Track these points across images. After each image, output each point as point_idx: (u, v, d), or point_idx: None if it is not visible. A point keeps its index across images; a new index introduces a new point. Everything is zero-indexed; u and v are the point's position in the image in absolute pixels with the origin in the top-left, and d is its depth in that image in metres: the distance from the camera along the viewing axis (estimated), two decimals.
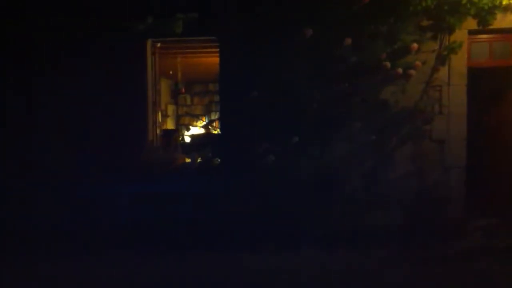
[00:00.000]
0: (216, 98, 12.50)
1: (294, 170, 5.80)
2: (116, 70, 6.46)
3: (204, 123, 11.46)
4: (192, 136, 10.47)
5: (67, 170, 6.28)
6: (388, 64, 5.70)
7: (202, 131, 11.09)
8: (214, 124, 10.92)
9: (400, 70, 5.70)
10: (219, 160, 6.79)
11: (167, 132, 8.87)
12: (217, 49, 6.59)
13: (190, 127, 11.84)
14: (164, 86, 11.50)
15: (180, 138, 10.38)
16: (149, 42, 6.72)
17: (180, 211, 6.01)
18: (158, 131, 7.34)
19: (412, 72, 5.72)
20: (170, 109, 12.20)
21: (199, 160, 7.34)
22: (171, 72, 9.06)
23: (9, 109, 6.58)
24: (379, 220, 5.79)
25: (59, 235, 5.81)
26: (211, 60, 8.74)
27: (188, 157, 7.97)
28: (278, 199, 5.78)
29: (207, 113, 12.78)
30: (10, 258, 5.39)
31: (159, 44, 6.98)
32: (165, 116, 11.69)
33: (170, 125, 11.97)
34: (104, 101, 6.50)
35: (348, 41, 5.70)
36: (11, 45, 6.48)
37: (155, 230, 5.87)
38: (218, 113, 12.11)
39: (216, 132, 10.24)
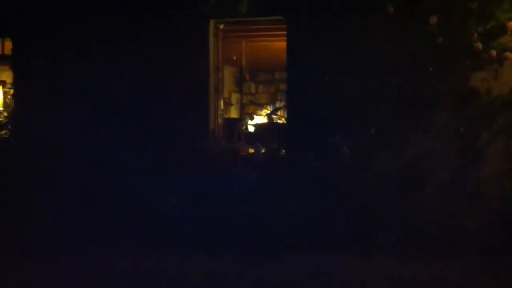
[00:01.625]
0: (282, 86, 12.05)
1: (369, 166, 5.17)
2: (176, 55, 6.08)
3: (269, 112, 11.00)
4: (256, 126, 10.07)
5: (123, 165, 5.95)
6: (480, 45, 4.96)
7: (266, 120, 10.75)
8: (279, 113, 10.55)
9: (493, 53, 4.95)
10: (284, 151, 6.31)
11: (230, 121, 8.43)
12: (285, 32, 6.07)
13: (254, 116, 11.44)
14: (228, 74, 11.11)
15: (244, 128, 9.97)
16: (211, 23, 6.27)
17: (243, 209, 5.52)
18: (220, 120, 6.93)
19: (509, 55, 4.95)
20: (234, 97, 11.79)
21: (263, 151, 6.89)
22: (234, 58, 8.61)
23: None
24: (466, 224, 5.08)
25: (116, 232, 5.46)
26: (278, 45, 8.25)
27: (252, 148, 7.55)
28: (350, 198, 5.18)
29: (272, 102, 12.28)
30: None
31: (222, 26, 6.52)
32: (228, 104, 11.32)
33: (233, 114, 11.58)
34: (162, 89, 6.15)
35: (434, 19, 5.01)
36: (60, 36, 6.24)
37: (218, 229, 5.42)
38: (283, 102, 11.73)
39: (281, 121, 9.86)
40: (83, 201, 5.83)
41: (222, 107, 7.13)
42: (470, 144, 5.17)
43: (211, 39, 6.40)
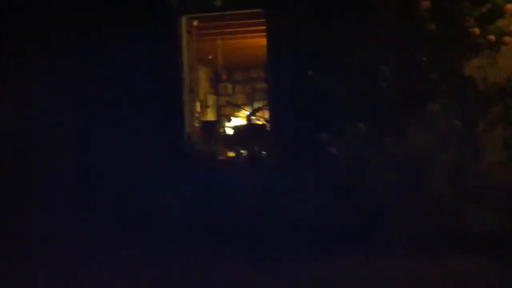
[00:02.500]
0: (260, 85, 11.66)
1: (362, 164, 4.74)
2: (146, 55, 5.63)
3: (247, 112, 10.57)
4: (234, 128, 9.64)
5: (92, 169, 5.47)
6: (477, 30, 4.59)
7: (245, 122, 10.32)
8: (258, 114, 10.13)
9: (492, 37, 4.59)
10: (266, 154, 5.92)
11: (207, 124, 7.98)
12: (263, 27, 5.66)
13: (232, 118, 11.01)
14: (203, 75, 10.67)
15: (222, 130, 9.53)
16: (184, 19, 5.81)
17: (224, 214, 5.08)
18: (196, 123, 6.49)
19: (508, 39, 4.59)
20: (210, 99, 11.33)
21: (243, 154, 6.49)
22: (210, 57, 8.15)
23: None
24: (469, 220, 4.68)
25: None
26: (254, 42, 7.88)
27: (231, 151, 7.14)
28: (342, 199, 4.75)
29: (249, 102, 11.85)
30: None
31: (195, 22, 6.09)
32: (204, 106, 10.86)
33: (210, 116, 11.12)
34: (134, 92, 5.68)
35: (426, 4, 4.63)
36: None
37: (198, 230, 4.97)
38: (262, 102, 11.32)
39: (260, 122, 9.45)
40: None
41: (198, 109, 6.70)
42: (467, 136, 4.80)
43: (184, 36, 5.95)
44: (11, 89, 5.80)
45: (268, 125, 6.32)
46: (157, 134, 5.59)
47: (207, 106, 11.04)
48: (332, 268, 4.27)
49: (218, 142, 7.54)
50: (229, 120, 10.86)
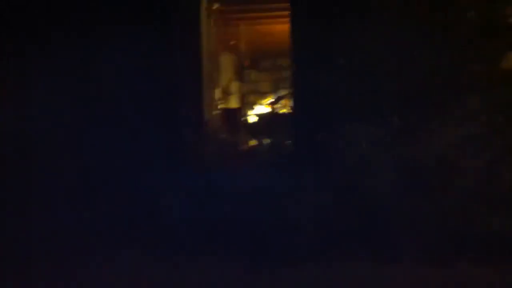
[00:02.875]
0: (286, 74, 11.31)
1: (392, 159, 4.40)
2: (163, 40, 5.31)
3: (272, 100, 10.27)
4: (258, 116, 9.37)
5: (107, 164, 5.21)
6: None
7: (269, 110, 10.04)
8: (283, 102, 9.82)
9: None
10: (290, 144, 5.57)
11: (228, 112, 7.71)
12: (287, 12, 5.33)
13: (256, 105, 10.71)
14: (227, 61, 10.39)
15: (245, 119, 9.26)
16: (203, 3, 5.54)
17: (240, 210, 4.79)
18: (216, 111, 6.24)
19: None
20: (235, 86, 11.04)
21: (266, 144, 6.23)
22: (232, 43, 7.87)
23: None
24: (499, 224, 4.33)
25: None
26: (280, 27, 7.54)
27: (254, 141, 6.88)
28: (370, 197, 4.43)
29: (275, 90, 11.52)
30: None
31: (216, 5, 5.80)
32: (228, 94, 10.59)
33: (234, 103, 10.84)
34: (150, 79, 5.36)
35: None
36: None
37: (211, 233, 4.69)
38: (287, 90, 10.99)
39: (285, 111, 9.16)
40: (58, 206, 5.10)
41: (219, 97, 6.44)
42: (506, 134, 4.42)
43: (204, 20, 5.69)
44: (10, 88, 5.55)
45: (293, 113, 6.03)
46: (172, 124, 5.32)
47: (231, 94, 10.76)
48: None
49: (240, 131, 7.29)
50: (253, 108, 10.57)
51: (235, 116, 7.72)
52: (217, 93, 6.25)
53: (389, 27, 4.55)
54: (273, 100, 10.32)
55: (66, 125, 5.28)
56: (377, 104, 4.50)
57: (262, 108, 10.45)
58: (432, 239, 4.17)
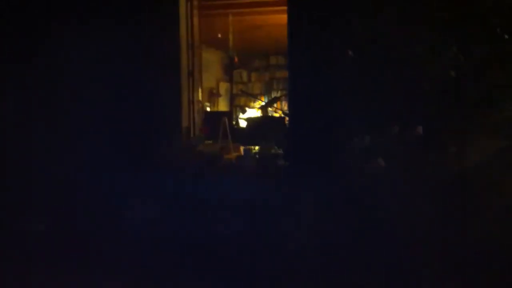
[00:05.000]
0: (279, 74, 10.42)
1: (411, 177, 3.49)
2: (138, 31, 4.57)
3: (263, 103, 9.35)
4: (248, 120, 8.44)
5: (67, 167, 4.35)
6: None
7: (259, 113, 9.13)
8: (275, 105, 8.92)
9: None
10: (283, 153, 4.82)
11: (213, 115, 6.77)
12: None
13: (247, 108, 9.78)
14: (215, 59, 9.48)
15: (234, 123, 8.34)
16: None
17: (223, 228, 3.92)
18: (198, 114, 5.33)
19: None
20: (223, 87, 10.10)
21: (255, 152, 5.34)
22: (220, 36, 6.92)
23: None
24: None
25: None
26: (274, 19, 6.64)
27: (242, 148, 5.98)
28: (382, 219, 3.52)
29: (267, 92, 10.61)
30: None
31: None
32: (216, 95, 9.66)
33: (222, 106, 9.91)
34: (123, 75, 4.56)
35: None
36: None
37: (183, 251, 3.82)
38: (280, 91, 10.08)
39: (278, 115, 8.27)
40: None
41: (200, 97, 5.53)
42: None
43: (182, 9, 4.80)
44: None
45: (287, 118, 5.17)
46: (145, 128, 4.45)
47: (219, 95, 9.83)
48: None
49: (226, 138, 6.36)
50: (244, 112, 9.65)
51: (221, 121, 6.78)
52: (202, 94, 5.33)
53: (408, 20, 3.66)
54: (265, 102, 9.42)
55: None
56: (382, 110, 3.60)
57: (253, 111, 9.55)
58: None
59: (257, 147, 5.76)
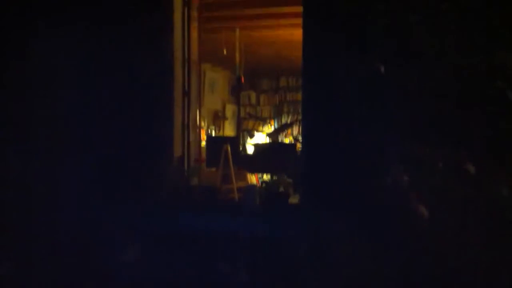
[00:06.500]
0: (290, 97, 9.75)
1: (452, 216, 2.70)
2: (127, 45, 3.84)
3: (273, 128, 8.66)
4: (256, 146, 7.75)
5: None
6: None
7: (268, 140, 8.45)
8: (287, 131, 8.25)
9: None
10: (295, 184, 4.21)
11: (214, 141, 6.03)
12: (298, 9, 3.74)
13: (255, 133, 9.09)
14: (221, 79, 8.80)
15: (241, 149, 7.65)
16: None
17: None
18: (195, 140, 4.63)
19: None
20: (230, 109, 9.41)
21: (263, 184, 4.66)
22: (225, 52, 6.23)
23: None
24: None
25: None
26: (283, 36, 5.96)
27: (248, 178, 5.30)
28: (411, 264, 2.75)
29: (276, 116, 9.90)
30: None
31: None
32: (222, 118, 8.98)
33: (229, 130, 9.21)
34: (109, 95, 3.85)
35: None
36: None
37: None
38: (291, 116, 9.41)
39: (288, 141, 7.63)
40: None
41: (199, 121, 4.82)
42: None
43: (178, 20, 4.14)
44: None
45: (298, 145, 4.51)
46: (131, 157, 3.75)
47: (225, 118, 9.13)
48: None
49: (228, 167, 5.65)
50: (251, 136, 8.96)
51: (221, 148, 6.09)
52: (206, 117, 4.63)
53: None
54: (276, 128, 8.74)
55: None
56: (410, 139, 2.86)
57: (262, 136, 8.87)
58: None
59: (265, 176, 5.16)
